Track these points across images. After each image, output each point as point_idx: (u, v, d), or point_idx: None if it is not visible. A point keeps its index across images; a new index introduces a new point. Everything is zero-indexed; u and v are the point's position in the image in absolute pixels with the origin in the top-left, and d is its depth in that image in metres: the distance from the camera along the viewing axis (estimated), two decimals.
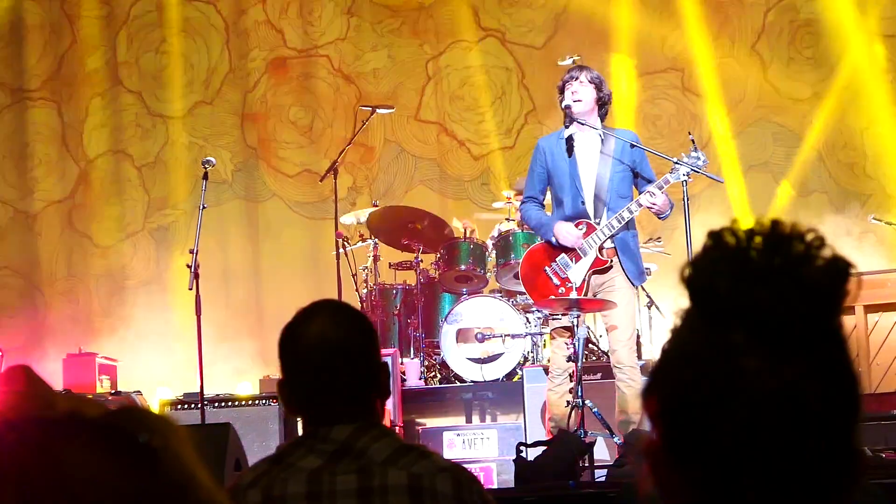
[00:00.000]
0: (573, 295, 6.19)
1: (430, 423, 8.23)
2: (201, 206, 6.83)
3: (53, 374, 8.43)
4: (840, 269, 1.06)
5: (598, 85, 6.39)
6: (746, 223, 1.08)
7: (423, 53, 10.34)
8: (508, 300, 8.10)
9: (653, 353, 7.92)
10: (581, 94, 6.34)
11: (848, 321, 6.94)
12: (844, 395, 1.07)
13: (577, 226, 6.32)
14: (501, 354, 7.99)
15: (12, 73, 10.58)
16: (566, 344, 6.22)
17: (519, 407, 7.57)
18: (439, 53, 10.33)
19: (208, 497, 0.95)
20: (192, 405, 7.05)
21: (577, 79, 6.36)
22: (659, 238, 8.51)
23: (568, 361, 6.17)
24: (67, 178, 10.48)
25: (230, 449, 5.43)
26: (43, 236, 10.44)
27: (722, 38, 9.93)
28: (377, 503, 2.25)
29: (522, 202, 6.65)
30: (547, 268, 6.43)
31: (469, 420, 8.24)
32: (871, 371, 7.02)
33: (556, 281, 6.38)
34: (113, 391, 8.33)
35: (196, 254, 6.61)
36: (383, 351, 7.22)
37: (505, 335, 7.94)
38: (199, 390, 6.72)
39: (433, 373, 8.41)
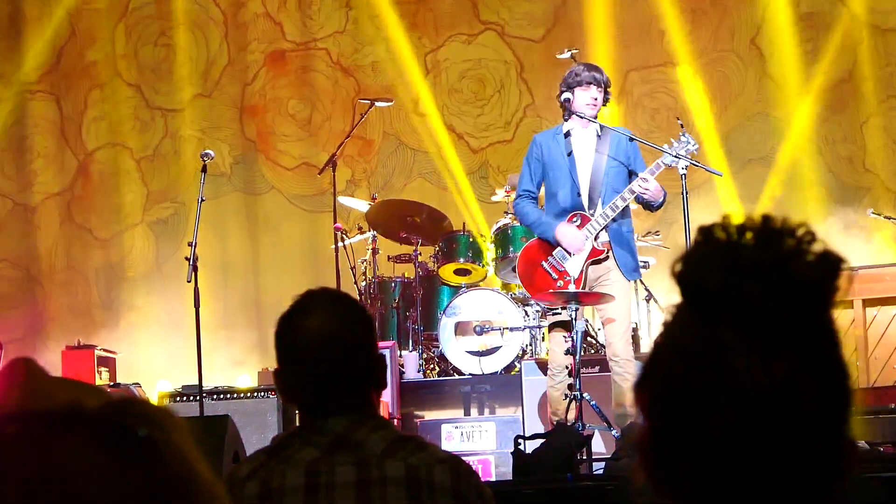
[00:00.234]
0: (571, 288, 6.19)
1: (429, 415, 8.23)
2: (200, 199, 6.81)
3: (52, 367, 8.43)
4: (831, 263, 1.06)
5: (608, 85, 6.44)
6: (737, 218, 1.09)
7: (421, 46, 10.32)
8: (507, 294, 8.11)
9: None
10: (600, 101, 6.37)
11: (846, 315, 6.94)
12: (836, 390, 1.07)
13: (571, 218, 6.32)
14: (500, 347, 7.99)
15: (11, 65, 10.56)
16: (564, 338, 6.21)
17: (517, 400, 7.58)
18: (438, 46, 10.31)
19: (208, 490, 0.95)
20: (191, 397, 7.05)
21: (598, 85, 6.37)
22: (657, 232, 8.51)
23: (566, 355, 6.18)
24: (66, 171, 10.47)
25: (229, 441, 5.44)
26: (42, 229, 10.43)
27: (721, 31, 9.92)
28: (376, 495, 2.24)
29: (517, 196, 6.65)
30: (544, 262, 6.43)
31: (467, 413, 8.24)
32: (869, 365, 7.02)
33: (553, 275, 6.39)
34: (112, 383, 8.33)
35: (195, 246, 6.59)
36: (381, 343, 7.24)
37: (503, 328, 7.95)
38: (197, 382, 6.72)
39: (432, 365, 8.42)
